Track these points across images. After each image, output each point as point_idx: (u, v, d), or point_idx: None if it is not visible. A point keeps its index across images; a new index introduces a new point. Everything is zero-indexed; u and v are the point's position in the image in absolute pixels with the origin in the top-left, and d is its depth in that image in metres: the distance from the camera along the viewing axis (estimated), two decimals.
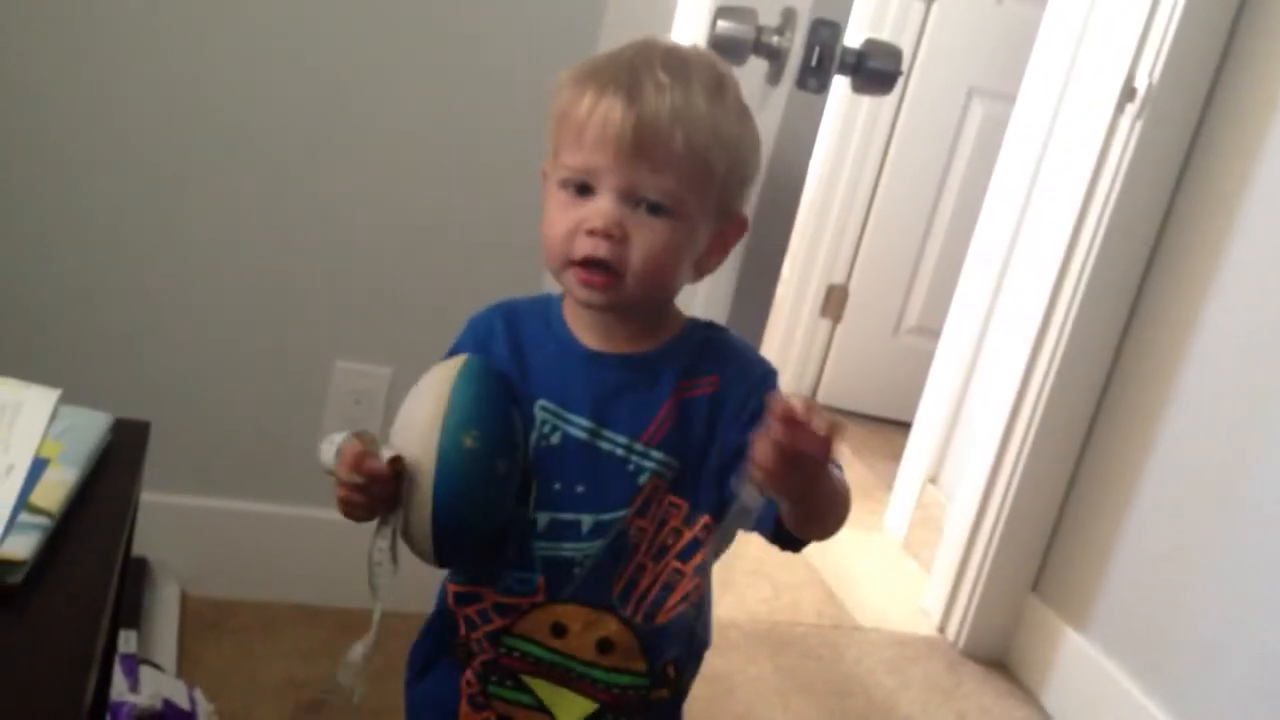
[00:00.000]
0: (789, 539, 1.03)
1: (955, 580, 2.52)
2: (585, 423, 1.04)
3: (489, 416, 1.02)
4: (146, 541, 1.75)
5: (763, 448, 0.87)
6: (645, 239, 1.00)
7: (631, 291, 1.02)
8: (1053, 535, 2.43)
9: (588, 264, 1.01)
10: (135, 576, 1.86)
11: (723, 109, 1.03)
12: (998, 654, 2.48)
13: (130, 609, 1.77)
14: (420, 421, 1.01)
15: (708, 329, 1.12)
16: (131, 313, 1.86)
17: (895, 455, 3.08)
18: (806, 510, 0.97)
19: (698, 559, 1.06)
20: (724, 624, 2.38)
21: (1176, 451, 2.16)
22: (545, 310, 1.11)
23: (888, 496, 3.07)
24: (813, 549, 3.02)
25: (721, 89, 1.03)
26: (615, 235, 1.00)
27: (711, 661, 2.21)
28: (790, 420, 0.85)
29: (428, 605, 1.16)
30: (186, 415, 1.91)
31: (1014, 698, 2.36)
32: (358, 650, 1.05)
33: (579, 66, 1.04)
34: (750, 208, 1.42)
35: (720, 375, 1.06)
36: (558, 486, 1.05)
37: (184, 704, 1.61)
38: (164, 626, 1.86)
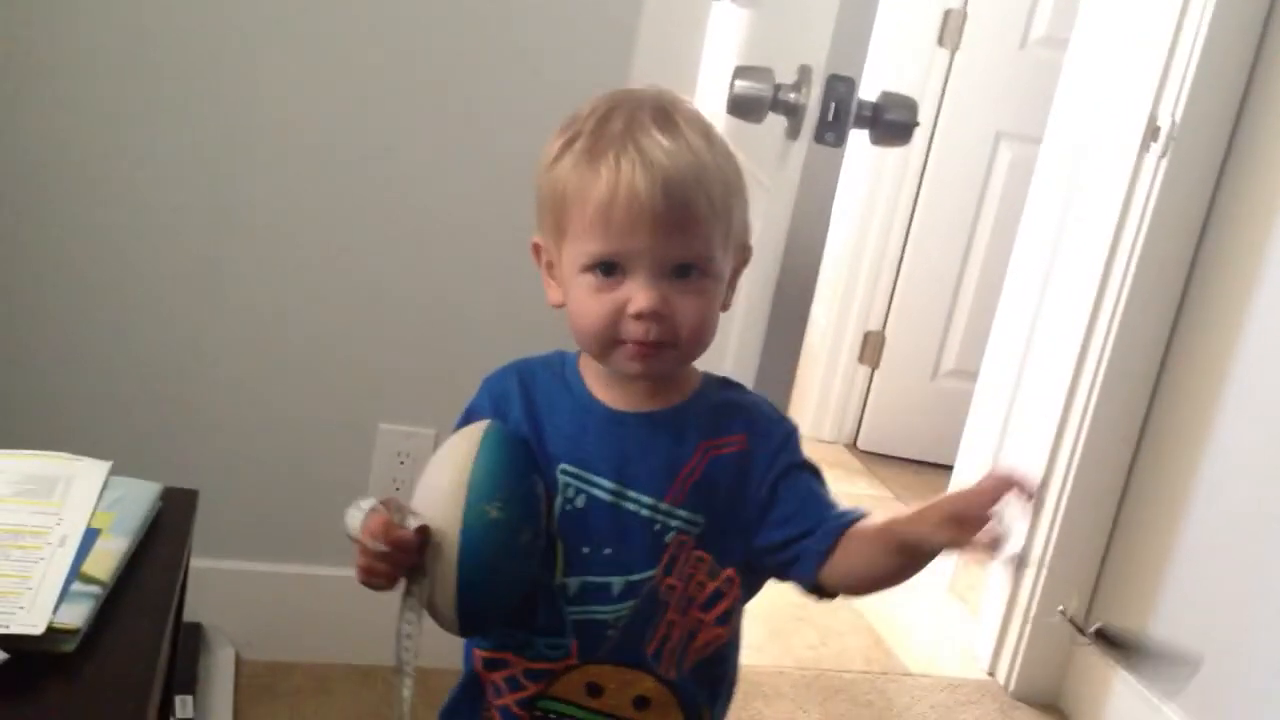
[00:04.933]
0: (823, 590, 1.04)
1: (1003, 622, 2.51)
2: (609, 484, 1.03)
3: (513, 486, 1.00)
4: (201, 607, 1.79)
5: (981, 500, 0.90)
6: (689, 307, 1.00)
7: (682, 358, 1.04)
8: (1099, 574, 2.42)
9: (640, 344, 1.01)
10: (190, 642, 1.89)
11: (719, 152, 1.03)
12: (1050, 696, 2.46)
13: (186, 674, 1.80)
14: (443, 491, 0.99)
15: (726, 386, 1.12)
16: (179, 385, 1.91)
17: None
18: (915, 567, 0.99)
19: (719, 609, 1.06)
20: (771, 672, 2.39)
21: (1219, 486, 2.15)
22: (561, 368, 1.10)
23: None
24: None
25: (709, 130, 1.04)
26: (664, 313, 0.99)
27: (761, 710, 2.23)
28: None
29: (451, 662, 1.15)
30: (236, 482, 1.95)
31: None
32: None
33: (568, 143, 1.02)
34: (774, 262, 1.45)
35: (747, 434, 1.06)
36: (586, 550, 1.03)
37: None
38: (219, 690, 1.89)
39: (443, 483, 1.00)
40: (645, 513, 1.03)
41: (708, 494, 1.04)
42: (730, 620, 1.08)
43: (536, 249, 1.09)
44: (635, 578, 1.03)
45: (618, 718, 1.06)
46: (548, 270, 1.08)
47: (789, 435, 1.09)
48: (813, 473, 1.08)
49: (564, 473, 1.04)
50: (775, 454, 1.06)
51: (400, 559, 0.98)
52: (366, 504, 0.98)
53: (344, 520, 0.99)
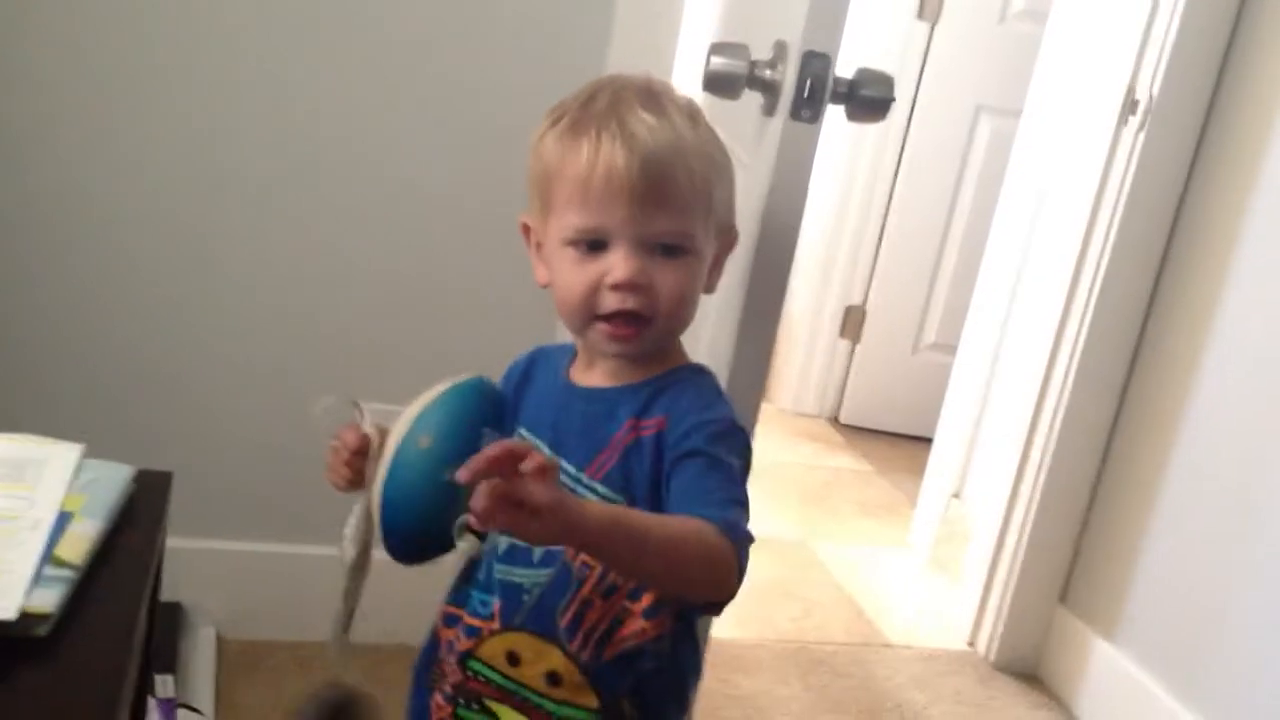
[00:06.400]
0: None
1: (983, 594, 2.53)
2: (546, 451, 1.07)
3: (452, 427, 1.05)
4: (182, 587, 1.80)
5: (480, 490, 0.86)
6: (667, 281, 1.03)
7: (659, 333, 1.06)
8: (1078, 545, 2.44)
9: (617, 317, 1.03)
10: (171, 621, 1.89)
11: (704, 133, 1.06)
12: (1029, 666, 2.49)
13: (167, 654, 1.80)
14: (401, 417, 1.07)
15: (691, 372, 1.11)
16: (156, 366, 1.91)
17: (918, 471, 3.09)
18: (614, 567, 1.00)
19: (646, 601, 1.05)
20: (752, 644, 2.40)
21: (1197, 456, 2.17)
22: (566, 353, 1.15)
23: (912, 513, 3.08)
24: (840, 567, 3.01)
25: (695, 114, 1.06)
26: (642, 284, 1.02)
27: (741, 683, 2.24)
28: (496, 461, 0.85)
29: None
30: (217, 462, 1.95)
31: (1047, 709, 2.37)
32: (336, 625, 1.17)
33: (555, 123, 1.05)
34: (751, 239, 1.45)
35: (666, 416, 1.05)
36: None
37: None
38: (201, 670, 1.89)
39: (406, 412, 1.08)
40: (569, 482, 1.06)
41: (627, 474, 1.05)
42: (660, 614, 1.06)
43: (526, 229, 1.12)
44: (553, 546, 1.05)
45: (534, 691, 1.08)
46: (536, 250, 1.11)
47: (703, 424, 1.04)
48: (711, 463, 1.02)
49: (520, 437, 1.11)
50: (680, 440, 1.03)
51: (351, 460, 1.09)
52: (329, 399, 1.09)
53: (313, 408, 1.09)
